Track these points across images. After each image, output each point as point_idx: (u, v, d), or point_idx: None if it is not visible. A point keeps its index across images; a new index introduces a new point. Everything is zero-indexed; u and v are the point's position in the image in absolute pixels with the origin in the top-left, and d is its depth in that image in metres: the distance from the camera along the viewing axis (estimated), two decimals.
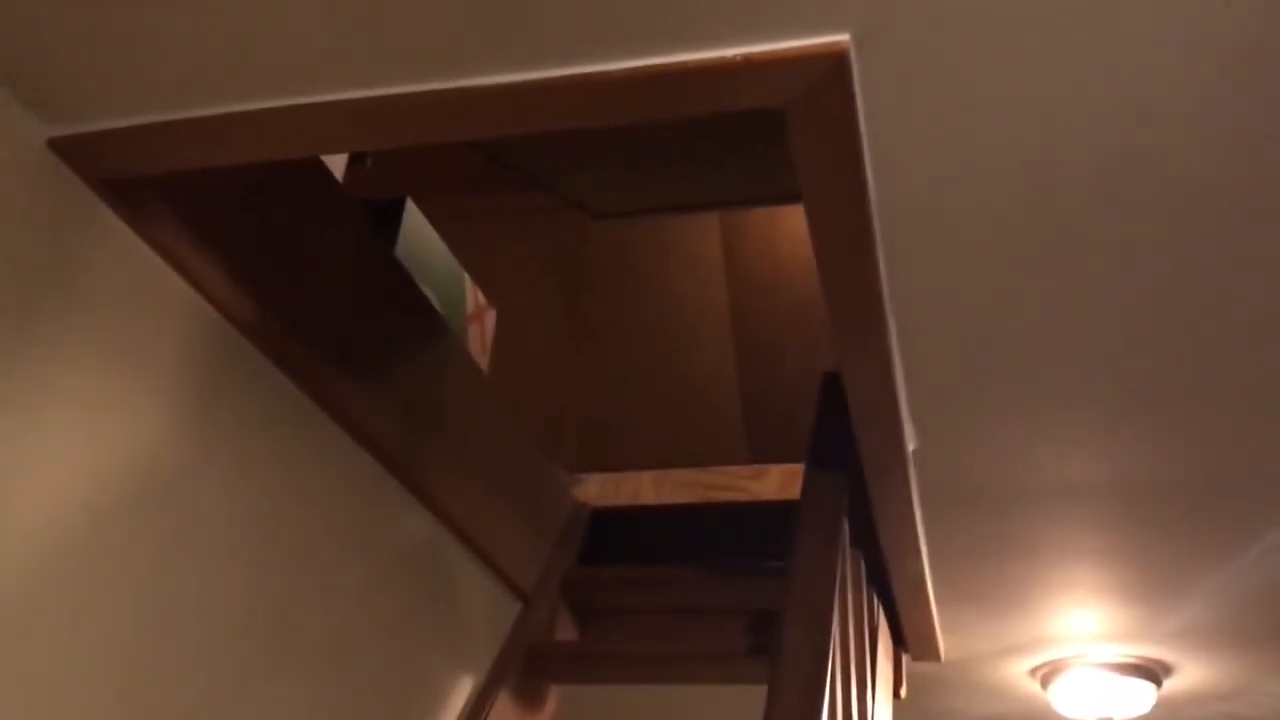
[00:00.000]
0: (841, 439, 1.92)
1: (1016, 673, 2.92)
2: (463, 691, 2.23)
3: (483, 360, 2.86)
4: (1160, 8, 1.02)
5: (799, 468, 2.10)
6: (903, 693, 2.61)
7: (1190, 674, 2.82)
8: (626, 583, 2.62)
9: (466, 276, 2.79)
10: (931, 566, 2.27)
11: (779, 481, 3.27)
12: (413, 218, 2.51)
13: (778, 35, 1.08)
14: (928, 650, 2.68)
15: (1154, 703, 2.86)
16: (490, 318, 2.97)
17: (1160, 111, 1.14)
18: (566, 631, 2.55)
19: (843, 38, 1.08)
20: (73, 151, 1.34)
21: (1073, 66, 1.09)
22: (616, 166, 2.64)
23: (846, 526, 1.93)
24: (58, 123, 1.32)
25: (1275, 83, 1.09)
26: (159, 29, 1.16)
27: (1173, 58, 1.07)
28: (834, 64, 1.09)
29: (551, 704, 2.44)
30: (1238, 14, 1.02)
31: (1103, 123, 1.15)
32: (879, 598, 2.39)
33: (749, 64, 1.09)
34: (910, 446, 1.80)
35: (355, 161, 2.60)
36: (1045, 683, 2.90)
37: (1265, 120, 1.14)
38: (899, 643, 2.64)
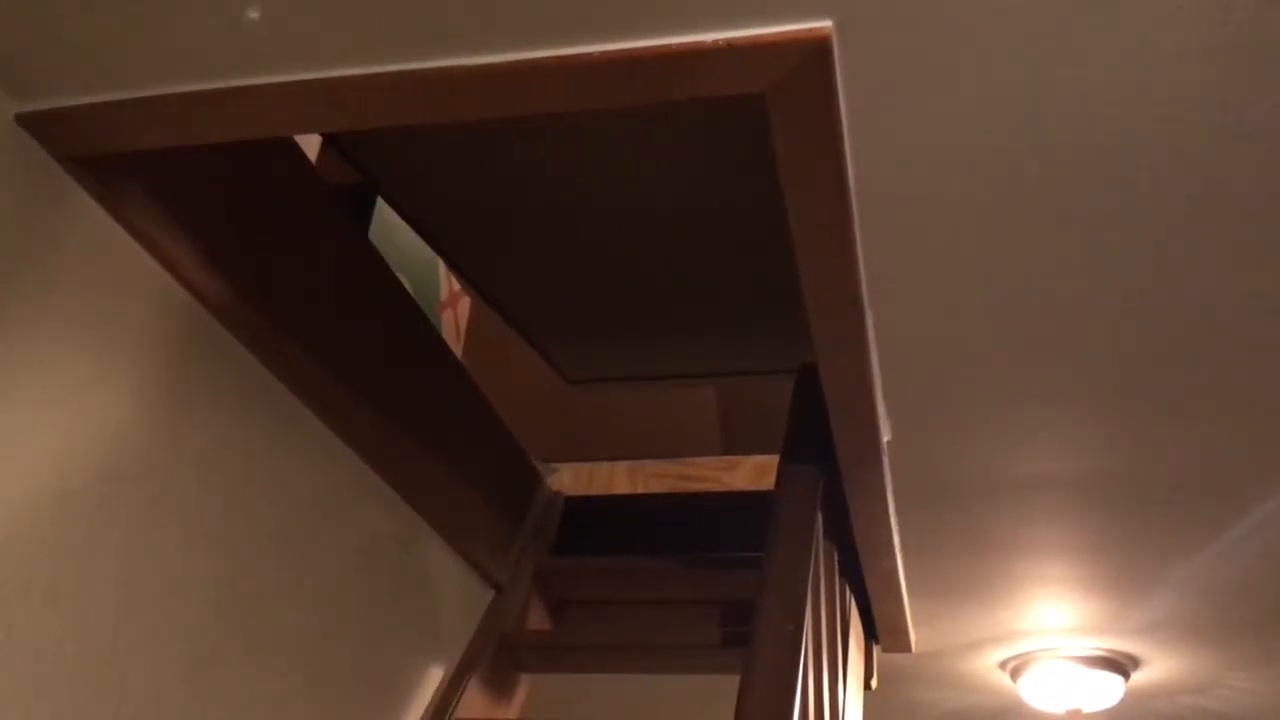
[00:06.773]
0: (816, 431, 1.91)
1: (987, 665, 2.94)
2: (433, 679, 2.22)
3: (456, 347, 2.84)
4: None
5: (772, 459, 2.10)
6: (873, 684, 2.62)
7: (1158, 667, 2.84)
8: (599, 572, 2.62)
9: (440, 262, 2.77)
10: (904, 559, 2.27)
11: (752, 473, 3.27)
12: None
13: (760, 21, 1.07)
14: (899, 642, 2.69)
15: (1122, 695, 2.89)
16: (464, 305, 2.95)
17: (1145, 104, 1.14)
18: (539, 621, 2.55)
19: (825, 24, 1.07)
20: (42, 127, 1.32)
21: (1057, 57, 1.08)
22: (594, 334, 2.62)
23: (820, 518, 1.93)
24: (26, 98, 1.30)
25: (1261, 79, 1.09)
26: (128, 3, 1.14)
27: (1158, 50, 1.07)
28: (815, 50, 1.08)
29: (522, 693, 2.43)
30: (1222, 9, 1.02)
31: (1088, 114, 1.15)
32: (851, 589, 2.40)
33: (730, 49, 1.08)
34: (885, 439, 1.80)
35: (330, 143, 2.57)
36: (1015, 675, 2.92)
37: (1247, 115, 1.14)
38: (870, 634, 2.65)
